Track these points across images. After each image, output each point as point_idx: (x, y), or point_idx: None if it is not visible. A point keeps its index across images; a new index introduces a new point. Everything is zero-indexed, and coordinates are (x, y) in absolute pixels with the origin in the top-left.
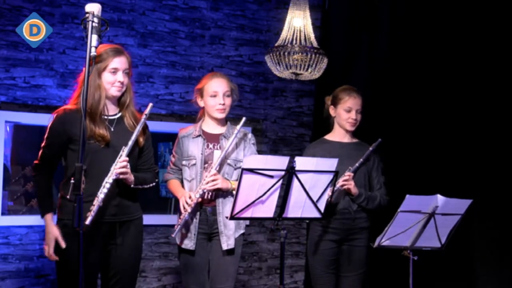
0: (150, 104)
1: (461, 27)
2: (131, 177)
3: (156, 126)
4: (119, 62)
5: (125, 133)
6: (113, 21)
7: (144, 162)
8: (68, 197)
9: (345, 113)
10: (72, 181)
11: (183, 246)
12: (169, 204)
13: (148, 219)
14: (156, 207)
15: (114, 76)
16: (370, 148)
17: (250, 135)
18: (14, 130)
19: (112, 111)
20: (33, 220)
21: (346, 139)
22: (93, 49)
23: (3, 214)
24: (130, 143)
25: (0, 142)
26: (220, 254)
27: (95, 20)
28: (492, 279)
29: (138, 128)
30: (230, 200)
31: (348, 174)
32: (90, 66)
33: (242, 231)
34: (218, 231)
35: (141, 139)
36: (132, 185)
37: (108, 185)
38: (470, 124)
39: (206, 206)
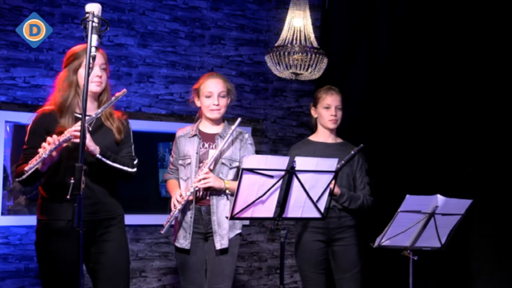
0: (124, 90)
1: (461, 27)
2: (91, 145)
3: (156, 126)
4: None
5: (104, 131)
6: (113, 21)
7: (121, 151)
8: (68, 197)
9: (325, 110)
10: (72, 180)
11: (178, 245)
12: (169, 204)
13: (148, 219)
14: (156, 207)
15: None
16: (352, 152)
17: (247, 135)
18: (14, 130)
19: (90, 110)
20: (33, 220)
21: (330, 139)
22: (93, 49)
23: (3, 214)
24: (94, 115)
25: (0, 142)
26: (216, 254)
27: (95, 20)
28: (492, 279)
29: (106, 105)
30: (224, 199)
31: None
32: (89, 67)
33: (238, 231)
34: (212, 230)
35: (117, 136)
36: (97, 155)
37: (56, 144)
38: (470, 124)
39: (200, 205)
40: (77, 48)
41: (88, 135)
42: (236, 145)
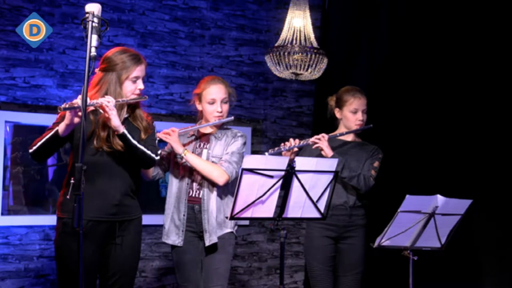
0: (145, 96)
1: (461, 26)
2: (116, 120)
3: (156, 126)
4: (141, 71)
5: (131, 130)
6: (113, 21)
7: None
8: (68, 197)
9: (352, 114)
10: (72, 181)
11: (170, 242)
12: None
13: (148, 219)
14: (156, 207)
15: (134, 84)
16: (359, 127)
17: (240, 133)
18: (14, 130)
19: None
20: (33, 220)
21: (349, 138)
22: (93, 49)
23: (3, 214)
24: (125, 99)
25: (0, 142)
26: (210, 253)
27: (95, 20)
28: (492, 279)
29: (125, 100)
30: (215, 197)
31: (322, 135)
32: (89, 67)
33: (228, 230)
34: (203, 229)
35: (143, 136)
36: (121, 130)
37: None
38: (470, 124)
39: (193, 204)
40: (125, 56)
41: (114, 112)
42: (228, 142)
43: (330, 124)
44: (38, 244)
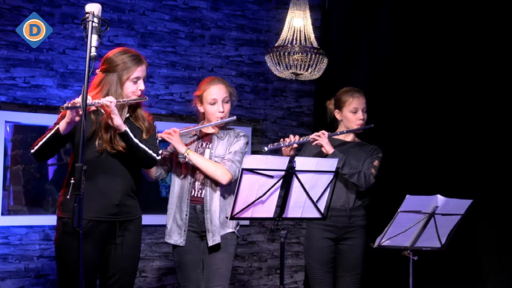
0: (145, 97)
1: (461, 26)
2: (118, 119)
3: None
4: (142, 71)
5: (136, 134)
6: (113, 21)
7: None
8: (68, 196)
9: (352, 114)
10: (72, 181)
11: (172, 242)
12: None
13: (148, 219)
14: (156, 207)
15: (135, 85)
16: (360, 127)
17: (242, 133)
18: (14, 130)
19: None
20: (33, 220)
21: (349, 138)
22: (93, 49)
23: (3, 214)
24: (126, 99)
25: (0, 142)
26: (211, 253)
27: (95, 20)
28: (492, 279)
29: (126, 100)
30: (218, 197)
31: (322, 132)
32: (90, 67)
33: (230, 230)
34: (205, 229)
35: (145, 136)
36: (123, 129)
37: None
38: (470, 124)
39: (195, 204)
40: (126, 56)
41: (116, 111)
42: (230, 142)
43: (330, 125)
44: (38, 244)
